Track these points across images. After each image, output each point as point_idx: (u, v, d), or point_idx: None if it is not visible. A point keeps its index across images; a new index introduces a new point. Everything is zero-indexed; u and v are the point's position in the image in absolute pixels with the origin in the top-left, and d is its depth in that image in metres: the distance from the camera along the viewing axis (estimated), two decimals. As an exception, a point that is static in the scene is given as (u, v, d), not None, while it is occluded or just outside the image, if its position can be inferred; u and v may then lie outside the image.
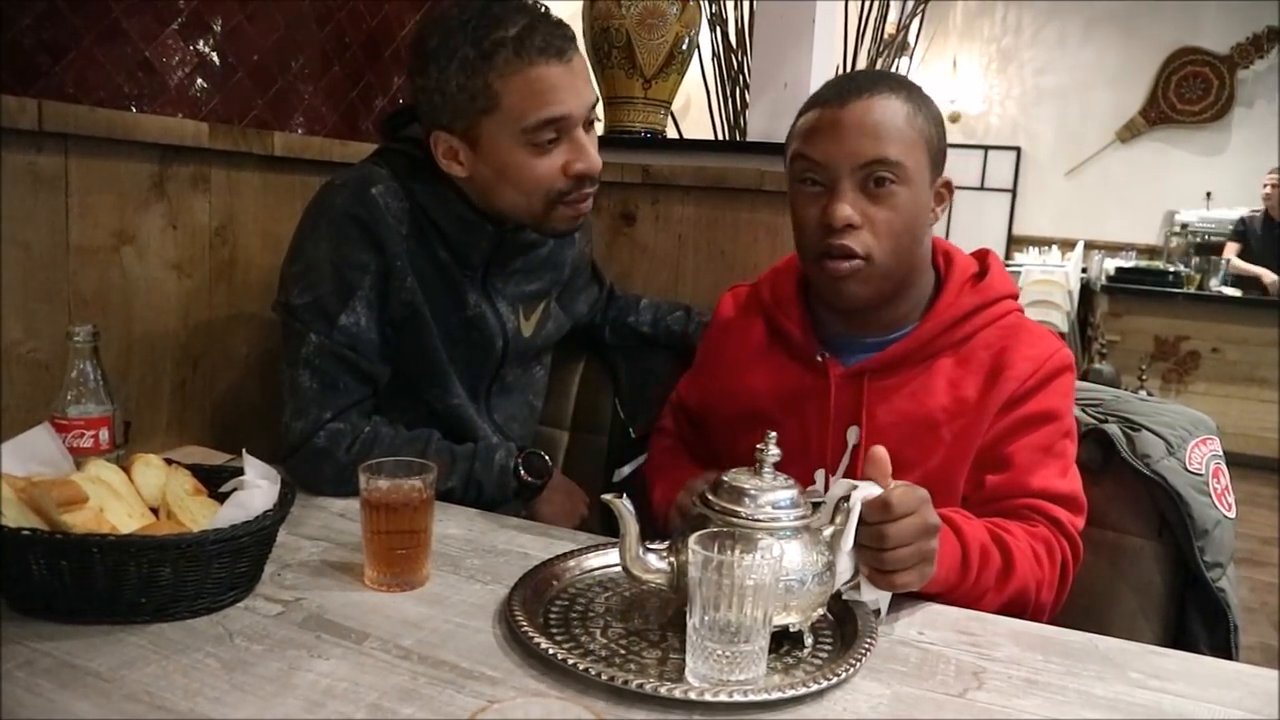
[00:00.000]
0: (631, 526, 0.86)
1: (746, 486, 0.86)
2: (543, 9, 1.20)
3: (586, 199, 1.24)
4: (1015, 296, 1.17)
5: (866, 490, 0.87)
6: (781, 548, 0.81)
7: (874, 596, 0.90)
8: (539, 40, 1.14)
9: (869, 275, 1.08)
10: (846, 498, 0.87)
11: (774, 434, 0.88)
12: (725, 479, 0.88)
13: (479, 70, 1.14)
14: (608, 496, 0.87)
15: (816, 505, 0.88)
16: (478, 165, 1.20)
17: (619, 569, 0.99)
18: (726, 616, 0.75)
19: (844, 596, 0.90)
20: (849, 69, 2.22)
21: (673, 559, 0.86)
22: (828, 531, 0.87)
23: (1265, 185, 5.49)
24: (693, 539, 0.77)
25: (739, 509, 0.85)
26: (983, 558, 0.97)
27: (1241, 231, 5.69)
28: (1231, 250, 5.67)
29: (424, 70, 1.17)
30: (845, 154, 1.06)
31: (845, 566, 0.88)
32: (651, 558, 0.86)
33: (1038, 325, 1.16)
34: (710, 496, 0.88)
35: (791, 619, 0.83)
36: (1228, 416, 5.05)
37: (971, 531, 0.97)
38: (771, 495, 0.86)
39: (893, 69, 2.43)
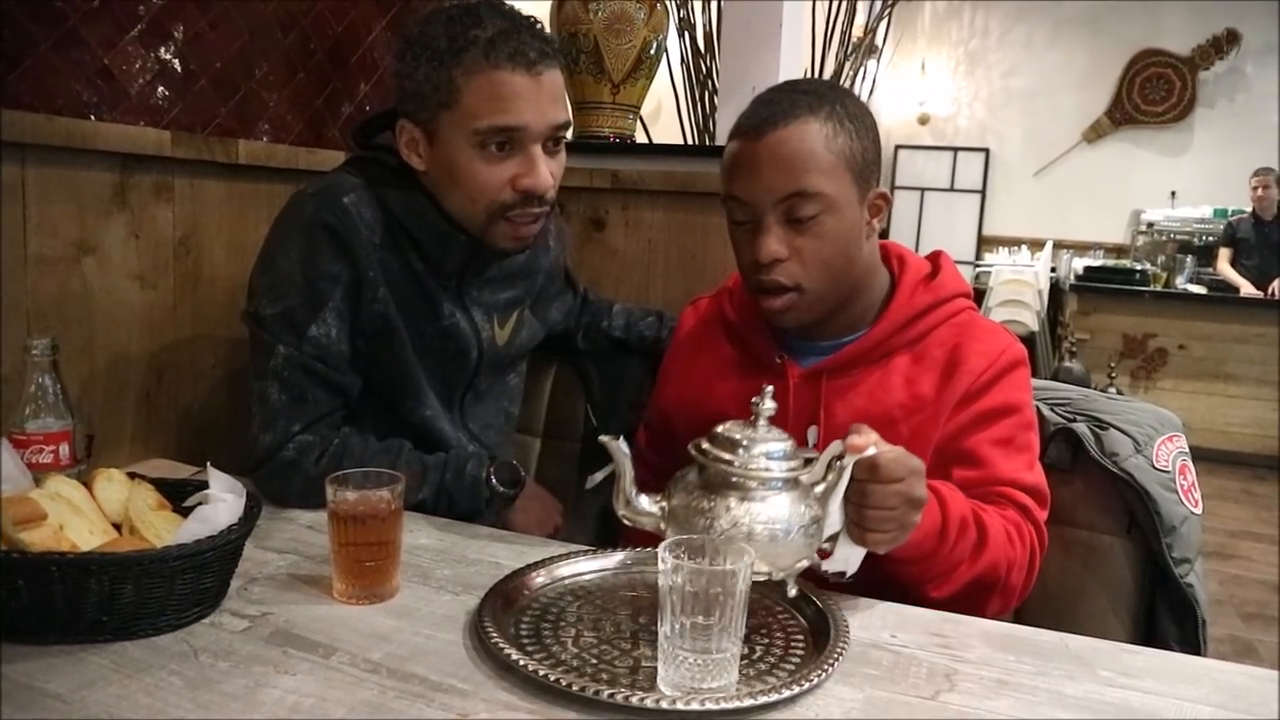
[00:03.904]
0: (627, 468, 0.87)
1: (739, 437, 0.86)
2: (531, 20, 1.18)
3: (533, 220, 1.22)
4: (968, 295, 1.18)
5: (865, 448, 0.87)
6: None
7: (846, 555, 0.90)
8: (510, 46, 1.13)
9: (803, 304, 1.10)
10: (840, 456, 0.87)
11: (770, 388, 0.90)
12: (719, 430, 0.88)
13: (445, 63, 1.13)
14: (605, 438, 0.88)
15: (809, 461, 0.88)
16: (433, 160, 1.20)
17: (590, 577, 1.00)
18: (697, 623, 0.74)
19: (822, 567, 0.90)
20: (817, 73, 2.23)
21: (664, 503, 0.87)
22: (819, 488, 0.87)
23: (1252, 187, 5.56)
24: (662, 546, 0.77)
25: (732, 458, 0.85)
26: (961, 529, 0.97)
27: (1231, 235, 5.75)
28: (1225, 256, 5.73)
29: (402, 56, 1.18)
30: (764, 189, 1.06)
31: (834, 523, 0.88)
32: (643, 500, 0.87)
33: (990, 321, 1.18)
34: (705, 445, 0.88)
35: (773, 567, 0.84)
36: (1195, 412, 5.14)
37: (954, 503, 0.98)
38: (765, 446, 0.86)
39: (861, 72, 2.44)
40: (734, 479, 0.85)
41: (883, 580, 0.99)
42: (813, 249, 1.07)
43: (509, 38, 1.13)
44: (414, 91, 1.17)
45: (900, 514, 0.88)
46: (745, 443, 0.86)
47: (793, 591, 0.88)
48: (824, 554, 0.90)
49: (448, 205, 1.22)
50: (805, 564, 0.87)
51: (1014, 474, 1.08)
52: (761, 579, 0.85)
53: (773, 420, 0.89)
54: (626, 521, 0.90)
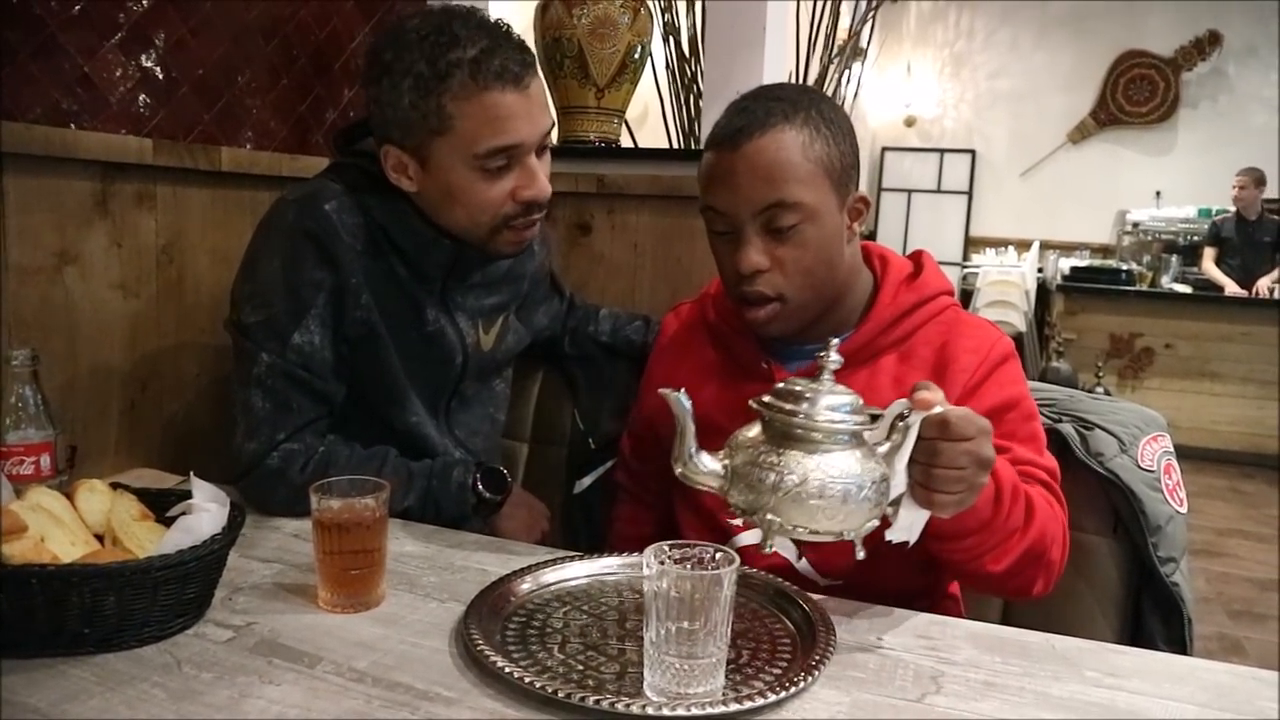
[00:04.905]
0: (689, 425, 0.85)
1: (804, 390, 0.84)
2: (504, 28, 1.18)
3: (533, 224, 1.24)
4: (950, 293, 1.17)
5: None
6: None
7: (909, 522, 0.87)
8: (496, 64, 1.12)
9: (786, 313, 1.10)
10: (904, 415, 0.85)
11: (836, 340, 0.89)
12: (781, 384, 0.87)
13: (432, 90, 1.12)
14: (664, 390, 0.86)
15: (874, 418, 0.86)
16: (426, 182, 1.19)
17: (577, 583, 0.99)
18: (683, 628, 0.74)
19: (885, 535, 0.87)
20: (802, 77, 2.23)
21: (727, 461, 0.85)
22: (884, 448, 0.85)
23: (1234, 187, 5.60)
24: (649, 551, 0.76)
25: (797, 409, 0.83)
26: (1014, 495, 0.95)
27: (1216, 234, 5.79)
28: (1209, 255, 5.77)
29: (377, 82, 1.15)
30: (743, 201, 1.05)
31: (898, 484, 0.85)
32: (705, 457, 0.85)
33: (974, 317, 1.18)
34: (767, 399, 0.86)
35: (843, 528, 0.82)
36: (1181, 411, 5.17)
37: (1004, 468, 0.95)
38: (830, 399, 0.84)
39: (846, 74, 2.45)
40: (798, 431, 0.82)
41: (929, 570, 0.97)
42: (794, 258, 1.06)
43: (492, 55, 1.12)
44: (399, 119, 1.15)
45: (970, 474, 0.85)
46: (810, 395, 0.84)
47: (861, 554, 0.85)
48: (885, 522, 0.87)
49: (447, 221, 1.22)
50: (874, 525, 0.85)
51: (1030, 458, 1.07)
52: (831, 539, 0.82)
53: None
54: (684, 480, 0.87)
